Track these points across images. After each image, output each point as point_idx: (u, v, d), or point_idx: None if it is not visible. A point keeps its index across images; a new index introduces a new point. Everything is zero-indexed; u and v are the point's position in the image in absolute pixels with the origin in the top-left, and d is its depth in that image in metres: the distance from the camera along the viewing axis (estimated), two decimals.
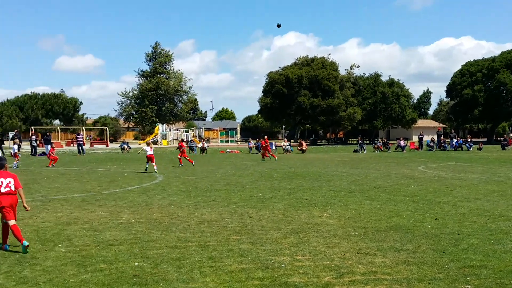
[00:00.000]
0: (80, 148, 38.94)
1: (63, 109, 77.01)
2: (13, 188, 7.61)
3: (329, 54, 75.13)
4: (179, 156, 25.35)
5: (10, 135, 44.92)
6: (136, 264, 6.48)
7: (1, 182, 7.52)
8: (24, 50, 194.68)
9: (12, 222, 7.42)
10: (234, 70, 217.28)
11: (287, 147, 41.70)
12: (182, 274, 6.03)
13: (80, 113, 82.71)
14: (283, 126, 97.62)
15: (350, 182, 16.79)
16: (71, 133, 76.33)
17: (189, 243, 7.69)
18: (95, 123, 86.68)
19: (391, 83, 70.72)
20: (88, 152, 43.31)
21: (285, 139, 49.06)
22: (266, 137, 32.84)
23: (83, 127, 68.68)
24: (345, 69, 76.74)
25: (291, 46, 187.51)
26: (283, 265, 6.44)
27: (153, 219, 9.86)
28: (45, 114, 75.48)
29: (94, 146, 59.55)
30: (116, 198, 12.94)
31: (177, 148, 29.00)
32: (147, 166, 21.57)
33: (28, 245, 7.17)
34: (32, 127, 56.47)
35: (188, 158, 25.47)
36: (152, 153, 21.66)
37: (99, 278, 5.85)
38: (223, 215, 10.34)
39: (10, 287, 5.54)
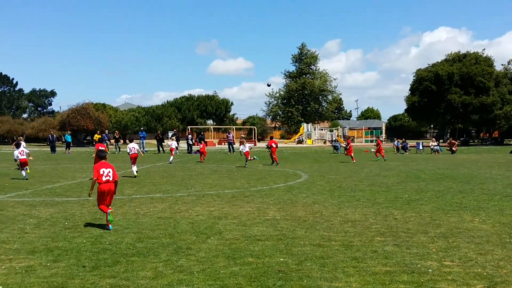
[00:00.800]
0: (230, 146, 40.95)
1: (215, 110, 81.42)
2: (111, 178, 9.18)
3: (484, 49, 69.65)
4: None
5: (170, 134, 48.62)
6: (281, 259, 6.71)
7: (103, 171, 9.12)
8: (183, 56, 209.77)
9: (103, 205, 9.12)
10: (380, 68, 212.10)
11: (435, 147, 39.77)
12: (325, 272, 6.12)
13: (231, 113, 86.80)
14: (431, 126, 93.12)
15: (506, 186, 15.56)
16: (222, 132, 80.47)
17: (333, 242, 7.76)
18: (244, 123, 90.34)
19: None
20: (238, 150, 45.30)
21: (434, 139, 46.77)
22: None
23: (233, 127, 71.95)
24: (502, 64, 71.19)
25: (441, 42, 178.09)
26: (430, 270, 6.23)
27: (297, 217, 10.09)
28: (200, 114, 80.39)
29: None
30: (263, 195, 13.44)
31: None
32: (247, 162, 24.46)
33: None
34: (189, 127, 60.59)
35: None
36: (247, 150, 24.33)
37: (247, 271, 6.17)
38: (367, 215, 10.24)
39: (168, 274, 6.07)
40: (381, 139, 32.33)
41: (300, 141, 67.57)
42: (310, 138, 67.18)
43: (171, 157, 27.83)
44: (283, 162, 27.75)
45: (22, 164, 18.50)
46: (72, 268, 6.34)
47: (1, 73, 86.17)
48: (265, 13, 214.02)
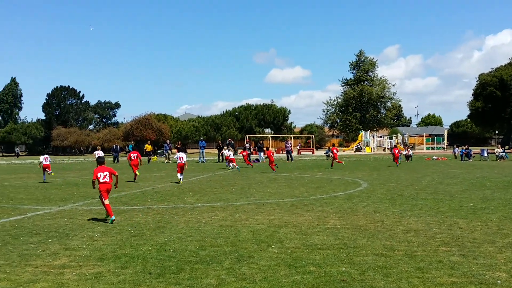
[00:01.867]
0: (288, 155, 40.99)
1: (273, 119, 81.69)
2: (108, 179, 11.33)
3: None
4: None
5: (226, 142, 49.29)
6: (343, 269, 6.68)
7: (100, 174, 11.28)
8: (241, 66, 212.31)
9: (107, 201, 11.06)
10: (441, 74, 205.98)
11: (501, 153, 38.22)
12: (389, 282, 6.03)
13: (288, 122, 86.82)
14: (496, 132, 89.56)
15: None
16: (280, 141, 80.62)
17: (396, 251, 7.64)
18: (302, 131, 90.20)
19: None
20: (296, 159, 45.30)
21: (499, 145, 44.97)
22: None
23: (291, 135, 71.94)
24: None
25: (506, 45, 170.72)
26: (498, 281, 6.02)
27: (358, 226, 9.98)
28: (258, 123, 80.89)
29: (301, 153, 61.99)
30: (323, 204, 13.38)
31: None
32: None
33: (114, 219, 10.80)
34: (247, 136, 61.11)
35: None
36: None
37: (309, 280, 6.18)
38: (430, 224, 9.99)
39: (231, 282, 6.16)
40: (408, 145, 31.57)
41: (358, 149, 66.69)
42: (368, 146, 66.17)
43: (231, 164, 28.45)
44: (342, 171, 27.49)
45: (45, 168, 22.42)
46: (139, 275, 6.56)
47: (69, 86, 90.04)
48: (323, 21, 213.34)
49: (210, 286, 5.99)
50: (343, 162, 32.80)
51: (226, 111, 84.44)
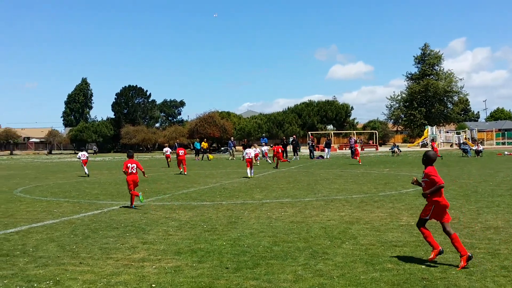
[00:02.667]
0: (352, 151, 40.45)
1: (335, 115, 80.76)
2: (134, 171, 13.01)
3: None
4: None
5: (290, 139, 49.25)
6: (423, 267, 6.50)
7: (129, 166, 12.96)
8: (302, 62, 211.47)
9: (132, 191, 12.81)
10: (510, 67, 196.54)
11: None
12: (474, 281, 5.81)
13: (351, 118, 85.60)
14: None
15: None
16: (342, 138, 79.68)
17: (476, 249, 7.36)
18: (364, 127, 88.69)
19: None
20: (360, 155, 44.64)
21: None
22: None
23: (354, 131, 70.94)
24: None
25: None
26: None
27: (433, 223, 9.55)
28: (320, 120, 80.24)
29: (365, 149, 61.02)
30: (393, 200, 13.10)
31: None
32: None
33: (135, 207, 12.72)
34: (309, 132, 60.81)
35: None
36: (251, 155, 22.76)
37: (388, 277, 6.05)
38: (511, 222, 9.57)
39: (308, 278, 6.13)
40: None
41: (424, 145, 64.82)
42: (435, 142, 64.18)
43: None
44: (409, 167, 26.85)
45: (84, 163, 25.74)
46: (216, 269, 6.66)
47: (136, 85, 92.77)
48: (385, 15, 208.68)
49: (287, 282, 5.99)
50: (359, 161, 31.71)
51: (288, 108, 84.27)
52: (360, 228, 9.29)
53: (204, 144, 44.84)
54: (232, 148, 45.12)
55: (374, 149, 61.16)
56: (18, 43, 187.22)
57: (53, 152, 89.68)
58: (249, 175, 21.70)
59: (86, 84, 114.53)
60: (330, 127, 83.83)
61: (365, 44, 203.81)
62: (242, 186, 18.06)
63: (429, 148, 59.27)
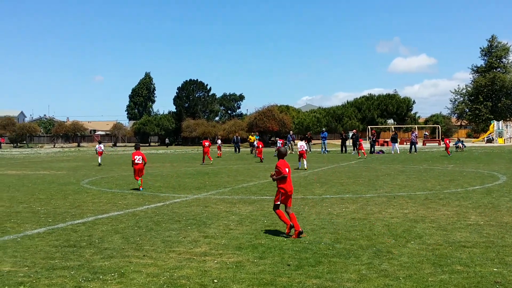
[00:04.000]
0: (413, 146, 39.47)
1: (396, 109, 78.95)
2: (141, 161, 15.54)
3: None
4: None
5: (350, 134, 48.63)
6: (495, 269, 6.17)
7: (136, 157, 15.42)
8: (362, 55, 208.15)
9: (137, 178, 15.62)
10: None
11: None
12: None
13: (412, 112, 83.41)
14: None
15: None
16: (403, 132, 77.77)
17: None
18: (426, 121, 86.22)
19: None
20: (420, 150, 43.46)
21: None
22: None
23: (416, 126, 69.08)
24: None
25: None
26: None
27: (504, 223, 9.25)
28: (380, 114, 78.70)
29: (427, 144, 59.38)
30: (460, 198, 12.61)
31: None
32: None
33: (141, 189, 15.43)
34: (369, 127, 59.78)
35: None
36: (303, 149, 23.57)
37: (458, 280, 5.77)
38: None
39: (373, 279, 5.95)
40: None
41: (489, 140, 62.27)
42: (501, 137, 61.43)
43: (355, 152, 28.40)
44: (475, 163, 25.84)
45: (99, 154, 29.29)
46: (278, 265, 6.59)
47: (197, 80, 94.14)
48: (450, 5, 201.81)
49: (351, 282, 5.84)
50: (365, 154, 33.81)
51: (347, 101, 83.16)
52: (425, 227, 8.97)
53: (252, 138, 45.03)
54: (291, 142, 44.99)
55: (437, 144, 59.39)
56: (87, 39, 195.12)
57: (117, 144, 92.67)
58: (300, 167, 23.10)
59: (149, 79, 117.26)
60: (390, 121, 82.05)
61: (429, 36, 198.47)
62: (302, 180, 17.92)
63: (496, 144, 56.88)
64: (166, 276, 6.22)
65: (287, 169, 8.87)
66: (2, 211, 11.79)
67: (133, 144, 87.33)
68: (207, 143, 29.08)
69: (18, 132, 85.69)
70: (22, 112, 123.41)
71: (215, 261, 6.87)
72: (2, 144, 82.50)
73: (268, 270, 6.40)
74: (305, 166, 22.98)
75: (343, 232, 8.67)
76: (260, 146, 32.58)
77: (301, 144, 24.01)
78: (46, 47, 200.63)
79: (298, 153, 24.04)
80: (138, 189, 15.37)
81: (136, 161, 15.44)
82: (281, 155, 9.22)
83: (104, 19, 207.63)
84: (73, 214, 11.18)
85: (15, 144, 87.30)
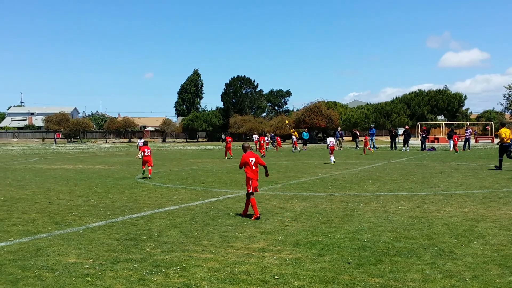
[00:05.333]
0: (467, 143, 38.37)
1: (447, 105, 76.87)
2: (149, 154, 18.19)
3: None
4: None
5: (400, 131, 47.75)
6: None
7: (145, 150, 18.27)
8: (412, 50, 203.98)
9: (146, 167, 18.64)
10: None
11: None
12: None
13: (464, 108, 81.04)
14: None
15: None
16: (455, 128, 75.67)
17: None
18: (478, 117, 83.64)
19: None
20: (473, 147, 42.22)
21: None
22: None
23: (467, 122, 67.12)
24: None
25: None
26: None
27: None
28: (430, 110, 76.83)
29: (479, 141, 57.66)
30: None
31: None
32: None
33: (147, 177, 18.34)
34: (419, 123, 58.50)
35: None
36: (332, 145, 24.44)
37: None
38: None
39: (437, 279, 5.81)
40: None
41: None
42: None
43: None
44: None
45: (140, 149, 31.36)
46: (338, 263, 6.54)
47: (244, 76, 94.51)
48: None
49: (415, 282, 5.72)
50: (372, 151, 35.55)
51: (396, 97, 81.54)
52: (487, 227, 8.70)
53: (295, 133, 44.86)
54: (339, 138, 44.53)
55: (490, 141, 57.56)
56: (139, 38, 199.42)
57: (166, 140, 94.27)
58: (331, 161, 24.12)
59: (197, 75, 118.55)
60: (441, 117, 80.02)
61: (481, 30, 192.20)
62: (353, 177, 17.74)
63: None
64: (227, 271, 6.28)
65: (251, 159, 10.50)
66: (63, 204, 12.20)
67: (183, 139, 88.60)
68: (229, 140, 31.59)
69: (72, 127, 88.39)
70: (75, 109, 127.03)
71: (274, 257, 6.89)
72: (57, 139, 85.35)
73: (328, 267, 6.36)
74: (332, 161, 24.10)
75: (401, 230, 8.52)
76: (264, 142, 37.25)
77: (331, 140, 24.76)
78: (98, 46, 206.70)
79: (329, 149, 24.79)
80: (147, 177, 18.21)
81: (145, 154, 18.21)
82: (243, 148, 10.89)
83: (155, 19, 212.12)
84: (131, 208, 11.44)
85: (69, 139, 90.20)
